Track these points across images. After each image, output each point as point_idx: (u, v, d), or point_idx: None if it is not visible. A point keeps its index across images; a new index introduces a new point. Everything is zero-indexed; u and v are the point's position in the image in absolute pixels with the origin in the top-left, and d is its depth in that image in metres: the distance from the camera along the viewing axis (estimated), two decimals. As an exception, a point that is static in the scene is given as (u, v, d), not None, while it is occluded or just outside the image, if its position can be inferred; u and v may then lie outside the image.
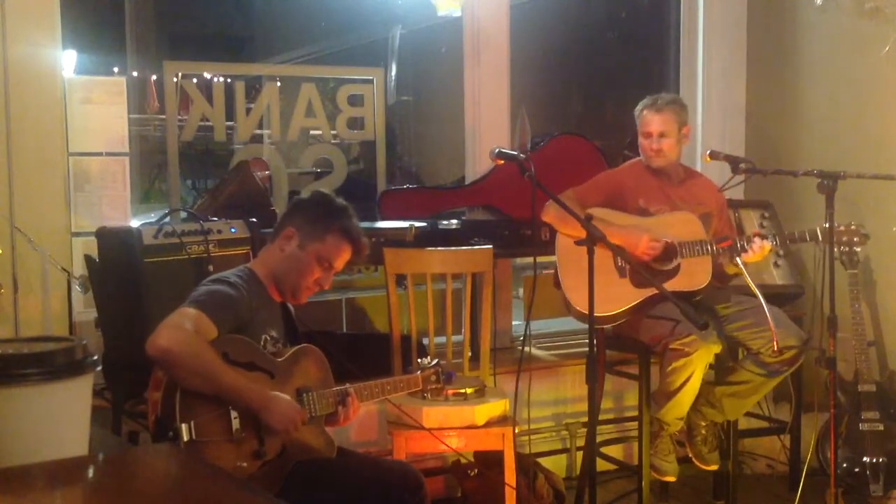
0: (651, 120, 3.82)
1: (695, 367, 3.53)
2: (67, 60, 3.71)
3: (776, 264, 4.42)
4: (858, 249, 3.83)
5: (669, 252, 3.70)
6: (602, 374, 4.02)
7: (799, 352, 3.61)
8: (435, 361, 3.18)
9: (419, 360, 3.19)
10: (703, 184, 3.96)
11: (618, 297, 3.69)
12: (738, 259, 3.60)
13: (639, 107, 3.88)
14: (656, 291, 3.55)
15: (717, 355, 3.61)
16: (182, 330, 2.53)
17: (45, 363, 1.78)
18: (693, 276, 3.69)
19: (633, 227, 3.71)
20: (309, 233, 2.86)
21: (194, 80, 4.11)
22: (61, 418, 1.77)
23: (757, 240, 3.64)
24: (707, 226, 3.80)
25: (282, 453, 2.68)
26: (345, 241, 2.88)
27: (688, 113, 3.91)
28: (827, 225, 3.40)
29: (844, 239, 3.68)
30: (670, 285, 3.59)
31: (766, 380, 3.70)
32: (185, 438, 2.50)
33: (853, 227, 3.68)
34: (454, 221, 4.19)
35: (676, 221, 3.77)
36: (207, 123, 4.11)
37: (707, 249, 3.68)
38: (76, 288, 3.49)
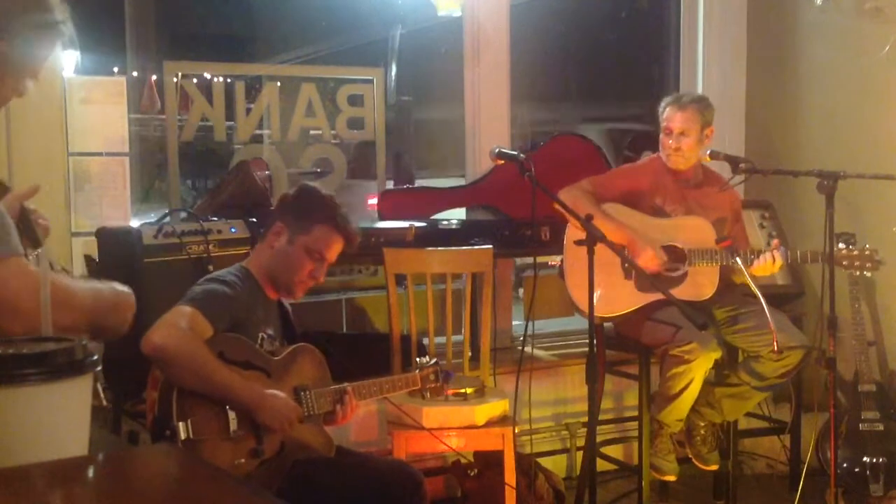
0: (672, 117, 3.76)
1: (694, 374, 3.53)
2: (67, 60, 3.71)
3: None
4: (869, 275, 3.78)
5: (678, 257, 3.69)
6: (602, 374, 4.01)
7: (800, 359, 3.58)
8: (433, 361, 3.17)
9: (418, 360, 3.19)
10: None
11: (620, 299, 3.69)
12: (742, 267, 3.54)
13: (662, 103, 3.83)
14: (659, 297, 3.53)
15: (716, 361, 3.59)
16: (177, 328, 2.53)
17: (45, 363, 1.77)
18: (699, 286, 3.68)
19: (642, 238, 3.64)
20: (296, 227, 2.86)
21: (194, 80, 4.10)
22: (61, 418, 1.77)
23: (768, 254, 3.61)
24: (720, 232, 3.75)
25: (280, 452, 2.68)
26: (332, 230, 2.88)
27: (713, 114, 3.81)
28: (826, 225, 3.39)
29: (857, 263, 3.64)
30: (674, 293, 3.56)
31: (757, 392, 3.70)
32: (183, 437, 2.50)
33: (867, 251, 3.65)
34: (454, 221, 4.18)
35: (689, 226, 3.74)
36: (207, 123, 4.11)
37: (716, 259, 3.65)
38: (76, 288, 3.48)
